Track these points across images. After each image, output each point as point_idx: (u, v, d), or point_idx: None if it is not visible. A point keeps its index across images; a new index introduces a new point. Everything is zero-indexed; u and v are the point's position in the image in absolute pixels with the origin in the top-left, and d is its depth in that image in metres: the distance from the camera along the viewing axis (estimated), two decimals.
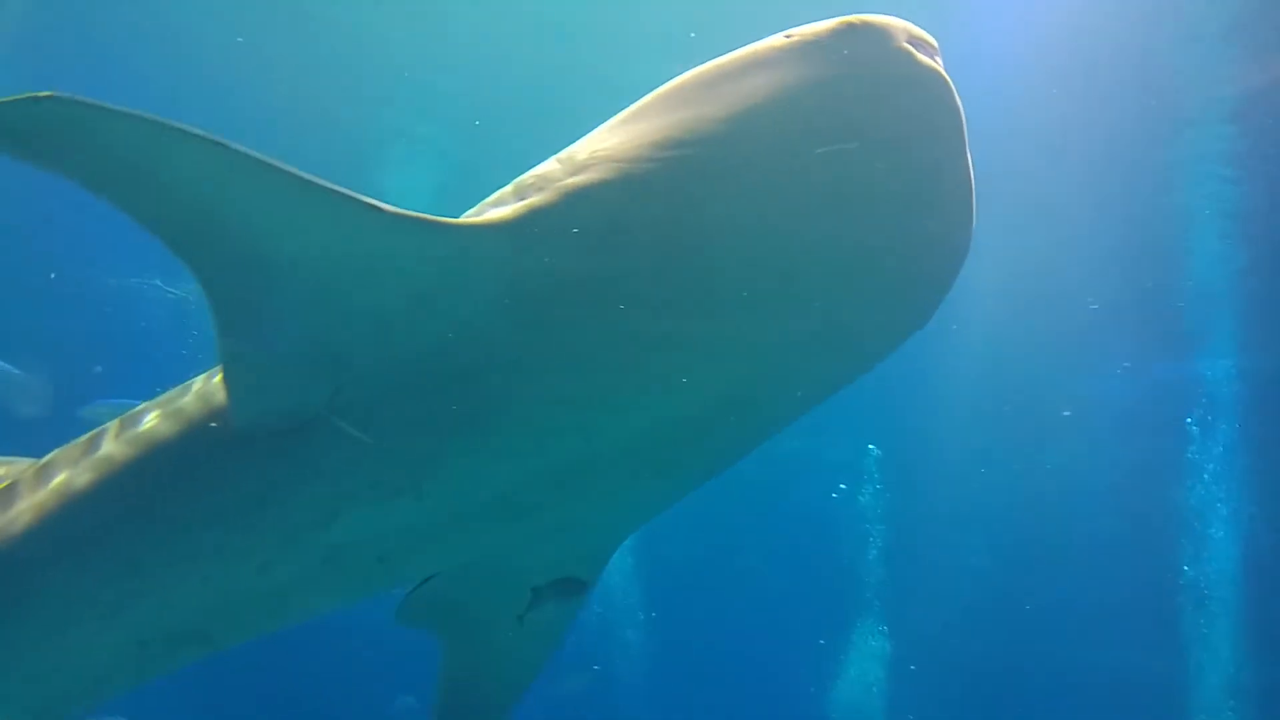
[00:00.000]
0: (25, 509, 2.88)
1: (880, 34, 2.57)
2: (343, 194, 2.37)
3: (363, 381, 2.69)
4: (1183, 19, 7.36)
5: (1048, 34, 7.64)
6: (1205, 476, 15.78)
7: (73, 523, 2.81)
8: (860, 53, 2.54)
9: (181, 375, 3.13)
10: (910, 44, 2.58)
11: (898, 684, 20.51)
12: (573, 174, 2.57)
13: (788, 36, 2.60)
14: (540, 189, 2.58)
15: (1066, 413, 15.29)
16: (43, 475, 2.94)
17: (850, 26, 2.55)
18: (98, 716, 3.27)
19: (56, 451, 3.07)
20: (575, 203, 2.53)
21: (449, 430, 2.77)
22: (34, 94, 2.08)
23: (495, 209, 2.63)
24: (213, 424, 2.76)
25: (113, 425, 3.00)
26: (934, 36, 2.66)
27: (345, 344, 2.65)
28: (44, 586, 2.88)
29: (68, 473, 2.88)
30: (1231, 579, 18.19)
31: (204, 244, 2.46)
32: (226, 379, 2.63)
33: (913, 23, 2.64)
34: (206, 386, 2.86)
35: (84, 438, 3.03)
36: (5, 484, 3.01)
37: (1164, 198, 10.17)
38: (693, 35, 7.52)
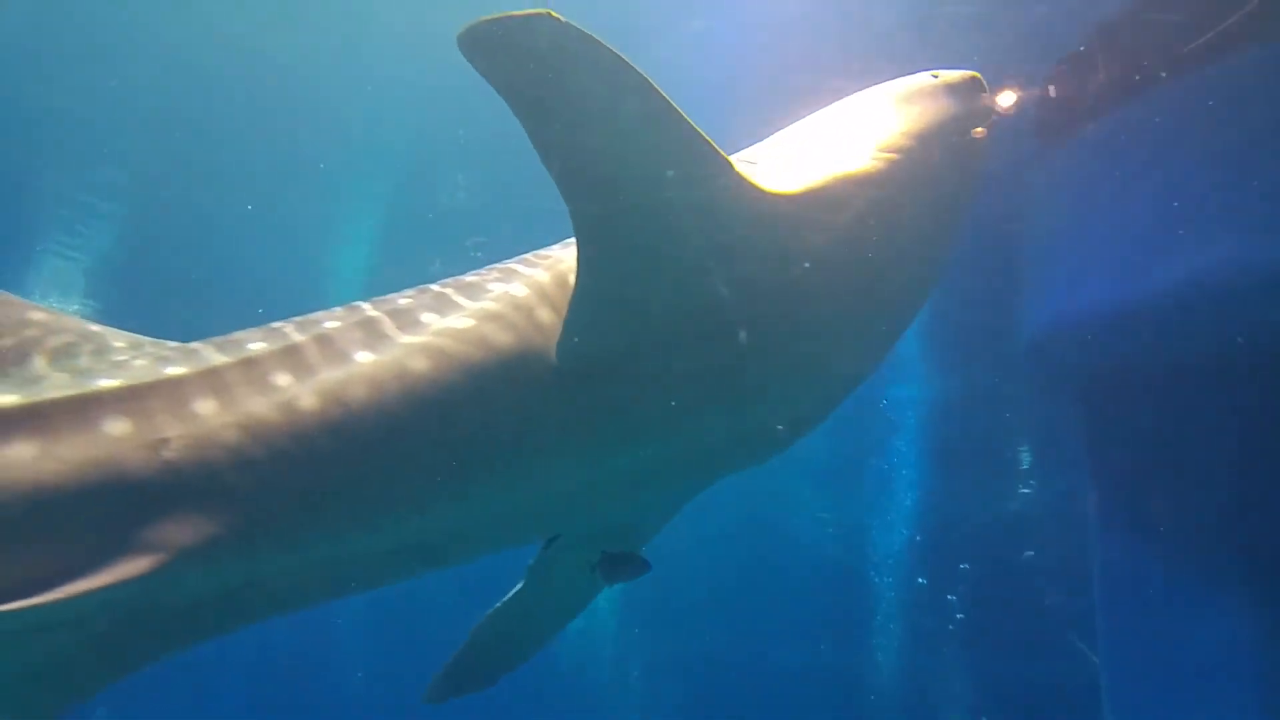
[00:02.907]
0: (347, 380, 2.82)
1: (981, 85, 3.47)
2: (725, 158, 2.71)
3: (649, 332, 2.96)
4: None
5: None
6: (891, 488, 17.36)
7: (412, 409, 2.82)
8: (978, 97, 3.42)
9: None
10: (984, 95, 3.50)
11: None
12: (823, 160, 3.08)
13: (935, 76, 3.42)
14: (798, 167, 3.06)
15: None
16: (332, 351, 2.90)
17: (974, 79, 3.45)
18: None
19: (298, 331, 3.01)
20: (837, 185, 3.02)
21: (702, 388, 3.07)
22: (533, 11, 2.26)
23: (774, 180, 2.97)
24: (545, 348, 2.94)
25: (383, 316, 3.01)
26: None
27: (655, 290, 2.90)
28: (349, 473, 2.81)
29: (382, 355, 2.87)
30: (905, 581, 20.16)
31: (608, 179, 2.65)
32: (574, 315, 2.87)
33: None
34: (536, 306, 2.99)
35: (339, 323, 2.99)
36: (267, 351, 2.89)
37: None
38: None
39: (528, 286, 3.07)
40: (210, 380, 2.79)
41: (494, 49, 2.34)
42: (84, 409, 2.66)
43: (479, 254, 12.24)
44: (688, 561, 20.75)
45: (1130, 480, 7.75)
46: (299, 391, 2.79)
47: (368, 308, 3.09)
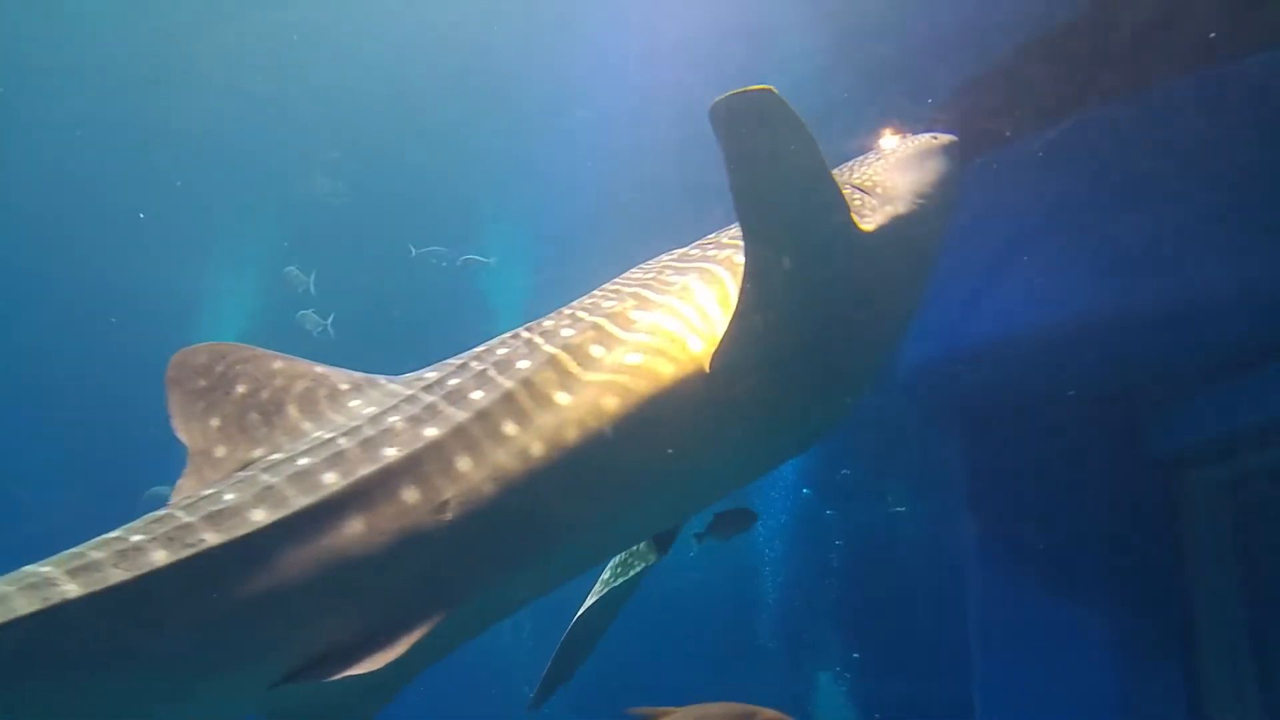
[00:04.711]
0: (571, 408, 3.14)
1: (959, 147, 4.12)
2: (847, 207, 3.31)
3: (778, 348, 3.34)
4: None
5: None
6: (770, 512, 17.65)
7: (606, 444, 3.13)
8: (958, 155, 4.09)
9: None
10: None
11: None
12: (886, 204, 3.70)
13: (935, 138, 4.07)
14: (871, 209, 3.66)
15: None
16: (538, 395, 3.16)
17: (955, 141, 4.09)
18: None
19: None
20: (894, 223, 3.63)
21: (806, 387, 3.58)
22: (756, 87, 2.76)
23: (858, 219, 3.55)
24: (697, 373, 3.29)
25: (560, 352, 3.28)
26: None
27: (788, 313, 3.33)
28: (569, 508, 3.15)
29: (578, 395, 3.17)
30: (783, 604, 20.46)
31: (784, 224, 3.17)
32: (732, 337, 3.25)
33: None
34: (688, 338, 3.34)
35: (529, 362, 3.25)
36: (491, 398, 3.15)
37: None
38: None
39: (677, 318, 3.41)
40: (460, 438, 3.04)
41: (731, 117, 2.85)
42: (386, 481, 2.91)
43: (444, 264, 12.95)
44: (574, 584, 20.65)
45: (1004, 508, 8.08)
46: (528, 440, 3.07)
47: (540, 341, 3.36)
